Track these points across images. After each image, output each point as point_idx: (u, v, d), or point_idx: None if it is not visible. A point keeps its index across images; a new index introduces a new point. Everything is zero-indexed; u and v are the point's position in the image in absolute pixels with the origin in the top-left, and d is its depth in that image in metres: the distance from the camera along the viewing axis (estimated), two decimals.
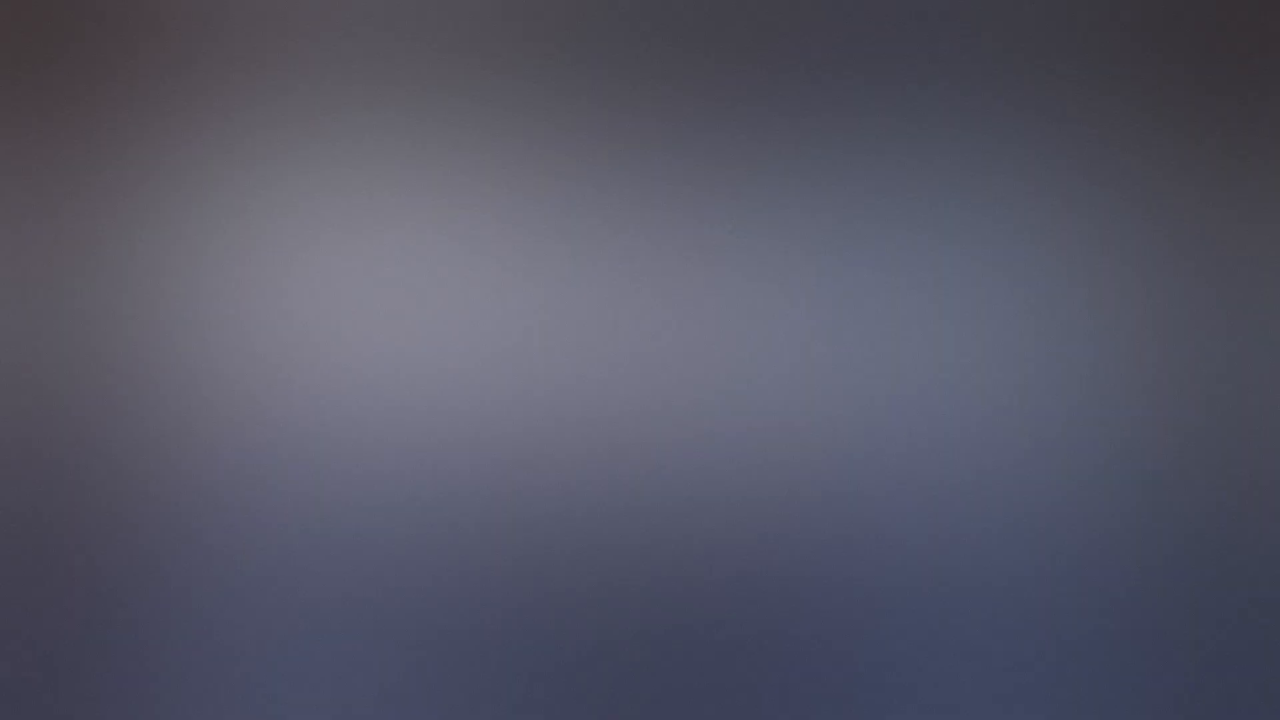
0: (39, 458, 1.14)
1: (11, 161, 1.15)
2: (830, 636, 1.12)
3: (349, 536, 1.13)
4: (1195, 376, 1.12)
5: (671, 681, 1.12)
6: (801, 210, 1.12)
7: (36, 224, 1.14)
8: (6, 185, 1.15)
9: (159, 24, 1.14)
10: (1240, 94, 1.12)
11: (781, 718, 1.12)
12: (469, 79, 1.14)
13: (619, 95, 1.13)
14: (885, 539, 1.12)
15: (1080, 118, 1.12)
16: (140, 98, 1.14)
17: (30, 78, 1.15)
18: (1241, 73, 1.12)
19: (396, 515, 1.13)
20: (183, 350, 1.14)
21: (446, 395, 1.13)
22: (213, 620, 1.13)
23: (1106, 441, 1.12)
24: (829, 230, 1.13)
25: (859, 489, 1.12)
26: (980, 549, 1.12)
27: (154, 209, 1.14)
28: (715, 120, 1.13)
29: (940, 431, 1.12)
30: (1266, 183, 1.12)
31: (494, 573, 1.13)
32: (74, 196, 1.14)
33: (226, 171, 1.14)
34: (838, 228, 1.13)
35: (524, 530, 1.13)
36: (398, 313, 1.13)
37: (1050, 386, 1.12)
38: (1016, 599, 1.12)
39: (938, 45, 1.12)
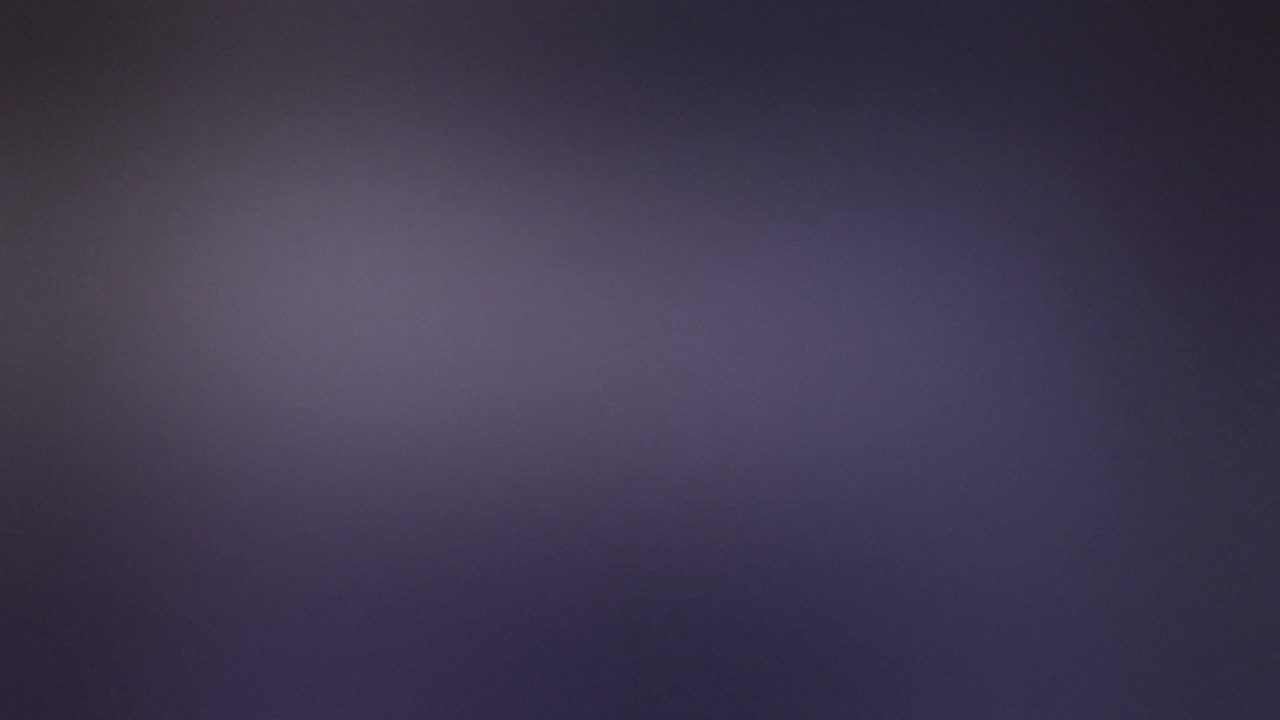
0: (38, 456, 1.14)
1: (11, 161, 1.15)
2: (824, 634, 1.12)
3: (347, 533, 1.13)
4: (1195, 376, 1.12)
5: (668, 680, 1.12)
6: (797, 212, 1.13)
7: (36, 225, 1.14)
8: (6, 185, 1.15)
9: (159, 27, 1.14)
10: (1240, 94, 1.12)
11: (775, 715, 1.12)
12: (465, 85, 1.14)
13: (613, 100, 1.13)
14: (884, 539, 1.12)
15: (1079, 120, 1.12)
16: (139, 99, 1.14)
17: (30, 78, 1.15)
18: (1241, 74, 1.12)
19: (395, 513, 1.13)
20: (181, 350, 1.14)
21: (444, 394, 1.13)
22: (207, 618, 1.13)
23: (1108, 442, 1.12)
24: (824, 232, 1.13)
25: (857, 490, 1.12)
26: (980, 549, 1.12)
27: (153, 210, 1.14)
28: (710, 125, 1.13)
29: (940, 432, 1.12)
30: (1266, 183, 1.12)
31: (490, 570, 1.13)
32: (72, 197, 1.14)
33: (225, 171, 1.14)
34: (833, 230, 1.13)
35: (521, 528, 1.13)
36: (394, 313, 1.13)
37: (1050, 388, 1.12)
38: (1012, 597, 1.12)
39: (935, 49, 1.13)
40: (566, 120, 1.13)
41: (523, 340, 1.13)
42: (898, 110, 1.13)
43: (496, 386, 1.13)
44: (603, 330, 1.13)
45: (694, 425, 1.12)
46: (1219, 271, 1.12)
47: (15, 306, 1.14)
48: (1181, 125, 1.13)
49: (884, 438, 1.12)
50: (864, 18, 1.13)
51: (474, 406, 1.13)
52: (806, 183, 1.13)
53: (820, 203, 1.13)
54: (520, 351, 1.13)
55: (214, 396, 1.13)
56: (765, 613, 1.12)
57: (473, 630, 1.13)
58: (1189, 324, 1.12)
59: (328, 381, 1.13)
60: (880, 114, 1.13)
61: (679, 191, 1.13)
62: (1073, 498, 1.12)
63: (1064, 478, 1.12)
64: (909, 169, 1.12)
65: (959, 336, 1.12)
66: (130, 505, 1.13)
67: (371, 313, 1.13)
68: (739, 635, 1.12)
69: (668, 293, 1.13)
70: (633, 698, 1.12)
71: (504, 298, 1.13)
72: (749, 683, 1.12)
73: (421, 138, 1.14)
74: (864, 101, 1.13)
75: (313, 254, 1.14)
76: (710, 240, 1.13)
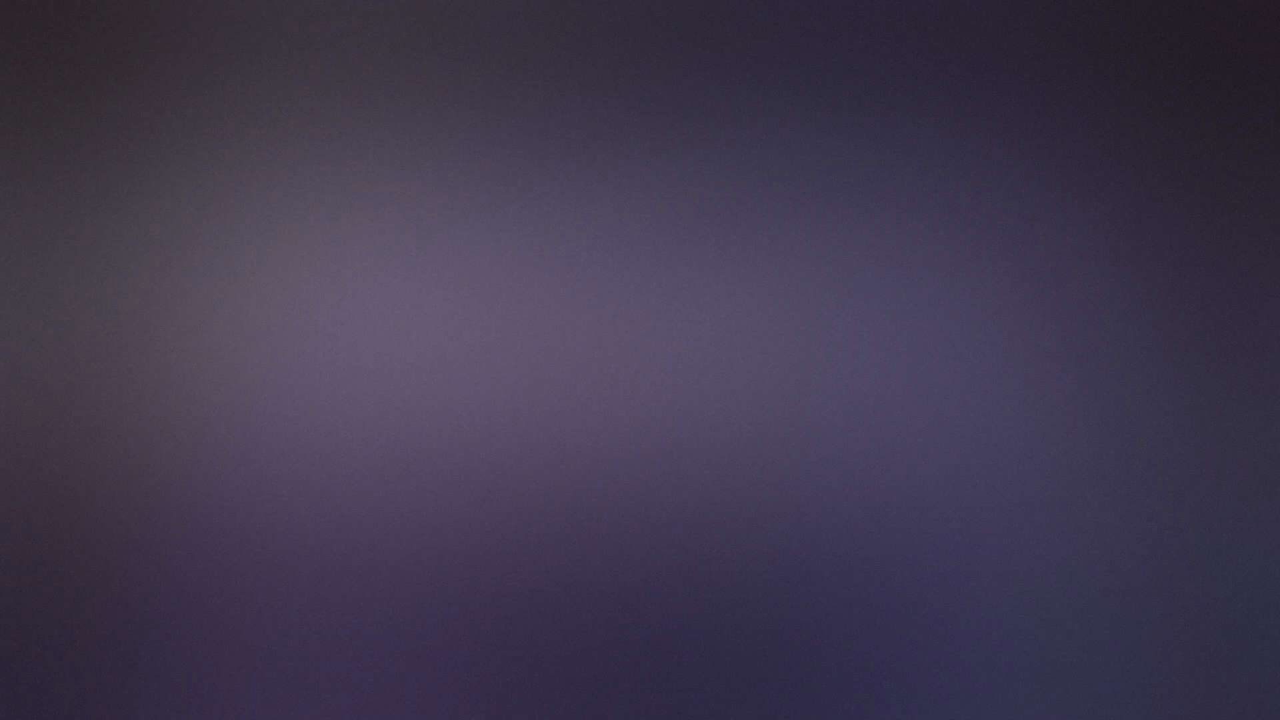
0: (39, 457, 1.14)
1: (11, 161, 1.15)
2: (823, 635, 1.12)
3: (346, 534, 1.13)
4: (1194, 377, 1.12)
5: (667, 679, 1.12)
6: (799, 217, 1.13)
7: (37, 225, 1.15)
8: (6, 185, 1.15)
9: (160, 27, 1.15)
10: (1240, 94, 1.13)
11: (771, 715, 1.12)
12: (471, 91, 1.14)
13: (614, 104, 1.13)
14: (883, 543, 1.12)
15: (1077, 121, 1.13)
16: (140, 99, 1.15)
17: (30, 78, 1.15)
18: (1241, 72, 1.13)
19: (396, 515, 1.13)
20: (183, 351, 1.14)
21: (445, 396, 1.13)
22: (211, 623, 1.13)
23: (1106, 443, 1.12)
24: (824, 237, 1.13)
25: (855, 495, 1.12)
26: (977, 549, 1.12)
27: (155, 210, 1.15)
28: (709, 129, 1.13)
29: (938, 433, 1.12)
30: (1266, 183, 1.12)
31: (490, 571, 1.13)
32: (74, 196, 1.15)
33: (227, 172, 1.14)
34: (831, 233, 1.13)
35: (521, 529, 1.13)
36: (403, 319, 1.14)
37: (1048, 390, 1.12)
38: (1009, 600, 1.12)
39: (934, 52, 1.13)
40: (572, 126, 1.14)
41: (530, 346, 1.13)
42: (896, 112, 1.13)
43: (504, 393, 1.13)
44: (614, 335, 1.13)
45: (697, 429, 1.12)
46: (1219, 273, 1.12)
47: (22, 309, 1.14)
48: (1184, 127, 1.13)
49: (882, 440, 1.12)
50: (860, 19, 1.13)
51: (481, 412, 1.13)
52: (808, 189, 1.13)
53: (819, 207, 1.13)
54: (527, 357, 1.13)
55: (218, 401, 1.13)
56: (766, 614, 1.12)
57: (471, 629, 1.13)
58: (1188, 325, 1.12)
59: (333, 385, 1.13)
60: (878, 115, 1.13)
61: (686, 199, 1.13)
62: (1071, 500, 1.12)
63: (1062, 481, 1.12)
64: (907, 170, 1.13)
65: (958, 337, 1.12)
66: (135, 509, 1.13)
67: (379, 319, 1.13)
68: (738, 637, 1.12)
69: (670, 297, 1.13)
70: (632, 697, 1.12)
71: (508, 304, 1.13)
72: (750, 686, 1.12)
73: (430, 143, 1.14)
74: (861, 103, 1.13)
75: (316, 259, 1.14)
76: (718, 248, 1.13)
